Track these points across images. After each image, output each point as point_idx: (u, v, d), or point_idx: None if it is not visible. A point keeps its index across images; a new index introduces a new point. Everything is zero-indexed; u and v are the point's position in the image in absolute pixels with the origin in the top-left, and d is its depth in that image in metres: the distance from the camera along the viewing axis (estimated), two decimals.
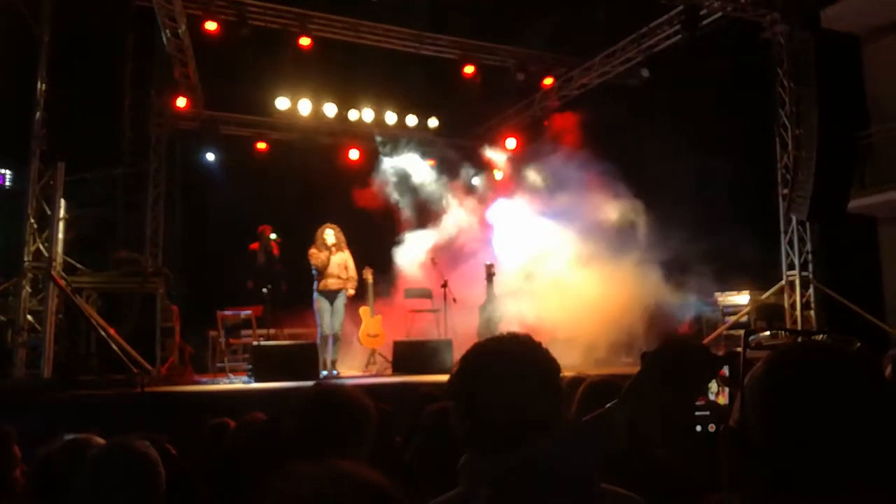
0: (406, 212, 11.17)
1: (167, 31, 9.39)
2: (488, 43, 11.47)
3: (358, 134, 12.50)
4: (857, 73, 10.48)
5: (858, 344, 1.01)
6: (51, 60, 7.77)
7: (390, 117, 12.23)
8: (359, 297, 9.24)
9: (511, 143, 12.93)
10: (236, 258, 9.91)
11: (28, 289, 7.44)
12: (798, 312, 9.60)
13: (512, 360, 1.42)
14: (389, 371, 8.78)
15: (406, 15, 10.60)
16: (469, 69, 11.39)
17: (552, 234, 10.18)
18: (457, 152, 12.36)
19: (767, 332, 1.02)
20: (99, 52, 9.56)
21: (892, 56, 10.48)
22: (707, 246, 8.63)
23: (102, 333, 7.34)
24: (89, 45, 9.21)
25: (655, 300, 9.11)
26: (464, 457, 1.41)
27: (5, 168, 9.22)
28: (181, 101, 10.93)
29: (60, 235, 7.86)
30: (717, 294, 10.03)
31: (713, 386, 1.07)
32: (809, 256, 9.64)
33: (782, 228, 9.80)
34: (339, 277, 8.65)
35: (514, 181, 11.73)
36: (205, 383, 7.91)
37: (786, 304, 9.74)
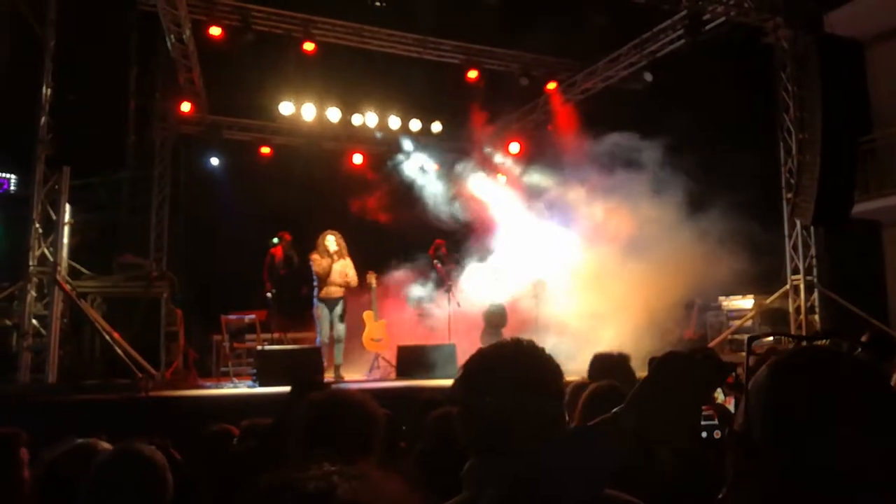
0: (413, 216, 11.17)
1: (171, 36, 9.42)
2: (492, 47, 11.50)
3: (361, 139, 12.52)
4: (861, 77, 10.46)
5: (860, 349, 1.01)
6: (56, 65, 7.80)
7: (394, 122, 12.25)
8: (363, 302, 9.25)
9: (514, 147, 12.94)
10: (244, 263, 9.90)
11: (33, 293, 7.46)
12: (802, 317, 9.58)
13: (515, 365, 1.42)
14: (393, 375, 8.78)
15: (410, 20, 10.62)
16: (472, 74, 11.42)
17: (558, 239, 10.19)
18: (460, 157, 12.37)
19: (771, 338, 1.02)
20: (103, 58, 9.62)
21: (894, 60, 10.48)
22: (712, 250, 8.62)
23: (107, 338, 7.35)
24: (94, 50, 9.26)
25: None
26: (468, 462, 1.42)
27: (10, 173, 9.25)
28: (185, 106, 10.97)
29: (65, 240, 7.88)
30: (722, 298, 10.02)
31: (719, 394, 1.08)
32: (814, 261, 9.62)
33: (786, 233, 9.78)
34: (340, 285, 8.67)
35: (518, 185, 11.74)
36: (209, 388, 7.92)
37: (790, 309, 9.71)
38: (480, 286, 9.97)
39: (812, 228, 9.48)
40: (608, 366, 3.17)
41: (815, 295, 9.62)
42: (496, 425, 1.37)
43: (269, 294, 8.97)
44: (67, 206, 7.92)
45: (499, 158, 12.46)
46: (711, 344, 9.09)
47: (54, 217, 7.68)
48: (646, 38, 10.63)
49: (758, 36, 9.66)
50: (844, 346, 1.03)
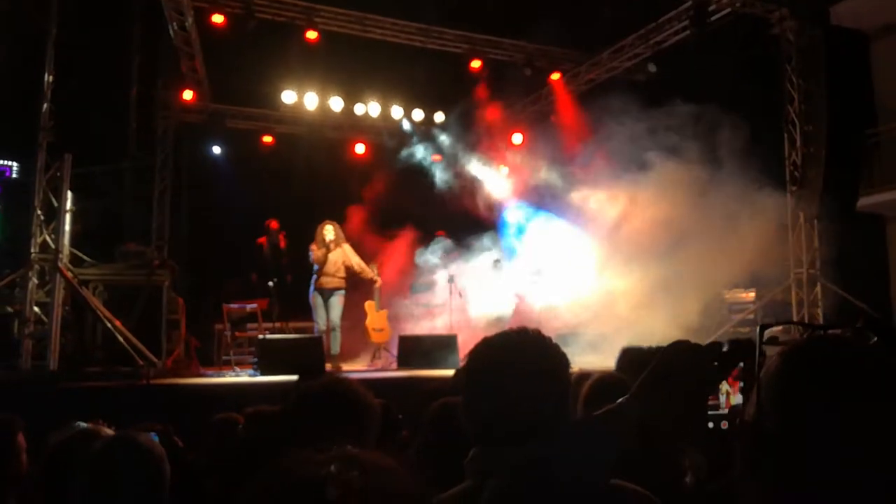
0: (415, 205, 11.16)
1: (174, 23, 9.38)
2: (495, 37, 11.44)
3: (364, 128, 12.48)
4: (866, 70, 10.41)
5: (875, 338, 1.01)
6: (58, 53, 7.77)
7: (396, 111, 12.22)
8: (365, 292, 9.26)
9: (518, 138, 12.90)
10: (242, 251, 9.92)
11: (35, 280, 7.46)
12: (805, 310, 9.57)
13: (520, 354, 1.41)
14: (395, 366, 8.78)
15: (413, 9, 10.57)
16: (476, 64, 11.37)
17: (562, 231, 10.19)
18: (463, 147, 12.33)
19: (781, 327, 1.00)
20: (106, 45, 9.57)
21: None
22: (714, 243, 8.60)
23: (108, 325, 7.36)
24: (96, 37, 9.21)
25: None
26: (472, 451, 1.41)
27: (12, 160, 9.22)
28: (188, 94, 10.94)
29: (67, 227, 7.88)
30: (724, 291, 10.00)
31: (724, 386, 1.06)
32: (817, 254, 9.59)
33: (790, 225, 9.75)
34: (335, 276, 8.68)
35: (521, 176, 11.72)
36: (210, 376, 7.93)
37: (793, 302, 9.70)
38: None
39: (816, 221, 9.45)
40: (637, 360, 3.15)
41: (818, 288, 9.60)
42: (500, 415, 1.36)
43: (270, 283, 8.97)
44: (69, 194, 7.92)
45: (502, 149, 12.42)
46: (712, 338, 9.07)
47: (56, 204, 7.68)
48: (651, 29, 10.57)
49: (763, 27, 9.60)
50: (856, 336, 1.02)
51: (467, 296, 9.68)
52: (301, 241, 9.37)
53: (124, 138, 10.83)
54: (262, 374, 7.54)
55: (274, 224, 9.60)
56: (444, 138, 12.32)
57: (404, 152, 11.90)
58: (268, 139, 12.28)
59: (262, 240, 9.53)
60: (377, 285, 9.28)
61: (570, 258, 10.11)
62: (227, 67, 10.79)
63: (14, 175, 9.31)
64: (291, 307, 9.63)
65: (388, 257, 10.27)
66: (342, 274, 8.74)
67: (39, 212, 7.54)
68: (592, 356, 7.12)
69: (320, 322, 8.70)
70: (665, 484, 1.43)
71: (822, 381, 0.94)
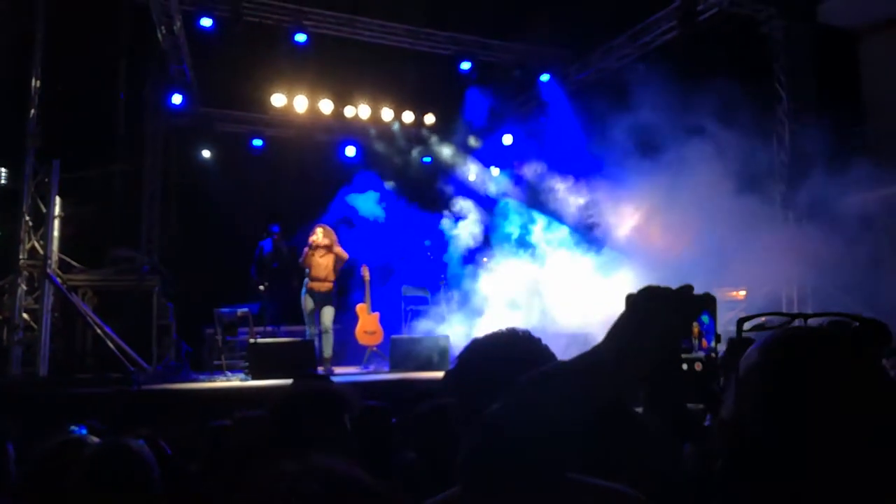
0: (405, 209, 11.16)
1: (162, 27, 9.34)
2: (484, 38, 11.45)
3: (354, 130, 12.47)
4: (855, 68, 10.46)
5: (857, 324, 1.00)
6: (45, 57, 7.73)
7: (387, 114, 12.20)
8: (356, 295, 9.24)
9: (508, 139, 12.91)
10: (237, 255, 9.87)
11: (24, 287, 7.42)
12: (795, 308, 9.60)
13: (510, 355, 1.41)
14: (387, 368, 8.77)
15: (402, 10, 10.56)
16: (465, 65, 11.37)
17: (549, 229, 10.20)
18: (453, 149, 12.34)
19: (763, 318, 1.01)
20: (93, 49, 9.54)
21: (889, 52, 10.48)
22: (705, 242, 8.63)
23: (98, 331, 7.32)
24: (84, 41, 9.17)
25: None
26: (462, 453, 1.40)
27: (0, 166, 9.17)
28: (176, 98, 10.88)
29: (56, 233, 7.84)
30: (715, 290, 10.01)
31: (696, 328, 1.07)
32: (805, 252, 9.62)
33: (778, 224, 9.78)
34: (325, 280, 8.67)
35: (511, 177, 11.74)
36: (201, 381, 7.89)
37: (783, 300, 9.73)
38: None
39: (804, 220, 9.49)
40: None
41: (807, 286, 9.63)
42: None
43: (261, 287, 8.95)
44: (58, 199, 7.87)
45: (491, 150, 12.43)
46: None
47: (44, 210, 7.63)
48: (639, 30, 10.60)
49: (752, 26, 9.64)
50: (837, 326, 1.03)
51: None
52: (290, 245, 9.35)
53: (113, 143, 10.79)
54: (254, 378, 7.52)
55: (275, 227, 9.53)
56: (434, 139, 12.32)
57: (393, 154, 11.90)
58: (258, 142, 12.24)
59: (265, 243, 9.43)
60: (367, 280, 9.26)
61: (563, 260, 10.12)
62: (215, 71, 10.74)
63: (2, 181, 9.25)
64: (283, 311, 9.60)
65: (379, 259, 10.26)
66: (333, 277, 8.73)
67: (28, 217, 7.50)
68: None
69: (311, 325, 8.68)
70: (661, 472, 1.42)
71: (801, 374, 0.93)
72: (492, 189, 11.84)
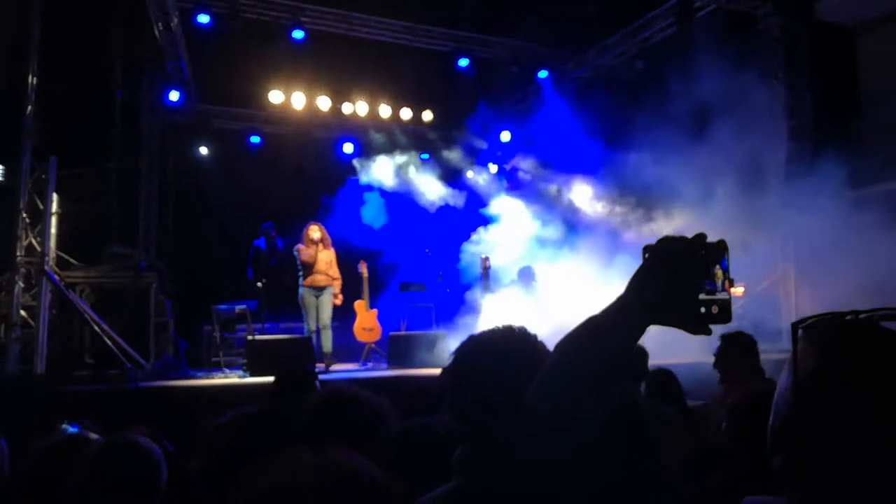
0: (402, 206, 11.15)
1: (159, 24, 9.33)
2: (482, 35, 11.44)
3: (352, 127, 12.45)
4: (852, 64, 10.47)
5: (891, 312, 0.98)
6: (42, 54, 7.70)
7: (384, 111, 12.19)
8: (354, 291, 9.24)
9: (506, 135, 12.91)
10: (234, 252, 9.86)
11: (21, 284, 7.40)
12: (793, 304, 9.62)
13: (506, 352, 1.41)
14: (384, 365, 8.78)
15: (400, 7, 10.55)
16: (463, 62, 11.36)
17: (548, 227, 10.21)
18: (451, 145, 12.33)
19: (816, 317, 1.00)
20: (90, 46, 9.52)
21: (886, 48, 10.48)
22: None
23: (96, 328, 7.32)
24: (80, 38, 9.15)
25: None
26: (459, 449, 1.41)
27: None
28: (173, 95, 10.86)
29: (53, 230, 7.82)
30: None
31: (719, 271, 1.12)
32: (802, 247, 9.63)
33: (776, 219, 9.78)
34: (326, 274, 8.68)
35: (509, 173, 11.74)
36: (199, 378, 7.90)
37: (780, 296, 9.75)
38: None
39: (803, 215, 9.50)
40: None
41: (806, 281, 9.64)
42: (486, 413, 1.36)
43: (259, 284, 8.94)
44: (55, 196, 7.86)
45: (490, 147, 12.43)
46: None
47: (41, 207, 7.62)
48: (637, 27, 10.60)
49: (749, 23, 9.65)
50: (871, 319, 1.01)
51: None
52: (287, 242, 9.34)
53: (110, 140, 10.77)
54: (252, 375, 7.52)
55: (270, 224, 9.51)
56: (432, 136, 12.31)
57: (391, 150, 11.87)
58: (255, 139, 12.23)
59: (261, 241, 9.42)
60: (364, 277, 9.24)
61: (562, 255, 10.13)
62: (213, 67, 10.72)
63: None
64: (281, 308, 9.60)
65: (376, 256, 10.26)
66: (332, 272, 8.73)
67: (25, 215, 7.49)
68: None
69: (311, 322, 8.68)
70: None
71: (866, 372, 0.91)
72: (489, 185, 11.83)
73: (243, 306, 9.23)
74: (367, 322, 9.25)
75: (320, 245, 8.68)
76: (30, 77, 7.57)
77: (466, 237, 10.87)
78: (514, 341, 1.43)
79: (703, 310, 1.08)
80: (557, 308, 9.24)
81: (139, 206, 11.12)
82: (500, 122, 13.00)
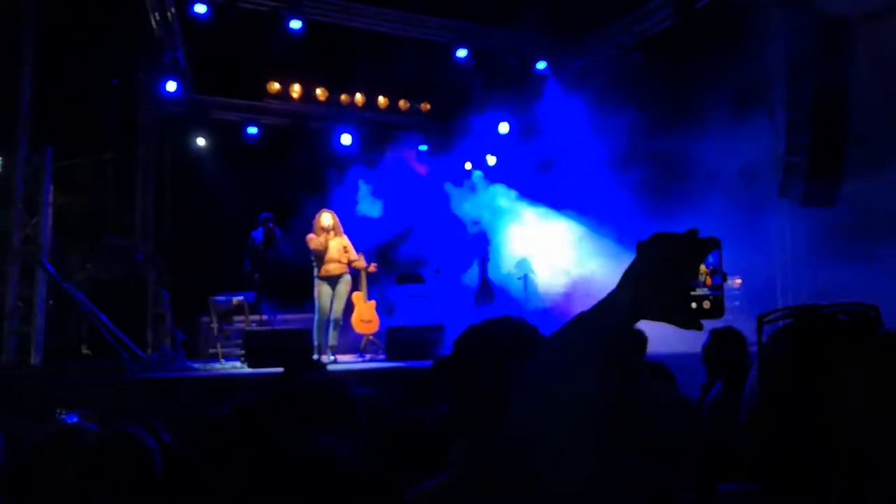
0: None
1: (155, 13, 9.27)
2: (480, 26, 11.39)
3: (350, 118, 12.42)
4: (851, 57, 10.46)
5: (853, 307, 1.03)
6: (37, 44, 7.66)
7: (382, 101, 12.15)
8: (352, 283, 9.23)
9: (504, 126, 12.88)
10: (227, 243, 9.86)
11: (17, 275, 7.38)
12: (790, 296, 9.63)
13: (506, 343, 1.41)
14: (383, 357, 8.78)
15: None
16: (461, 52, 11.32)
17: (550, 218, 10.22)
18: (449, 136, 12.31)
19: (779, 314, 1.05)
20: (86, 36, 9.46)
21: (886, 41, 10.46)
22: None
23: (93, 320, 7.31)
24: (76, 28, 9.10)
25: None
26: (457, 441, 1.40)
27: None
28: (170, 86, 10.81)
29: (49, 221, 7.80)
30: None
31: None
32: (799, 240, 9.65)
33: (774, 212, 9.79)
34: (339, 262, 8.55)
35: (507, 165, 11.73)
36: (197, 369, 7.90)
37: (777, 288, 9.77)
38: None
39: (800, 208, 9.50)
40: None
41: (803, 274, 9.66)
42: (486, 404, 1.35)
43: (256, 275, 8.93)
44: (51, 187, 7.83)
45: (488, 138, 12.41)
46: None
47: (38, 198, 7.59)
48: (636, 18, 10.56)
49: (748, 14, 9.61)
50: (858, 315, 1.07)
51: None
52: (286, 233, 9.33)
53: (106, 131, 10.73)
54: (250, 366, 7.52)
55: (269, 217, 9.47)
56: (429, 127, 12.29)
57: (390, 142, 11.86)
58: (252, 130, 12.19)
59: (258, 232, 9.39)
60: (371, 270, 9.17)
61: (558, 246, 10.14)
62: (209, 58, 10.68)
63: None
64: (279, 300, 9.59)
65: (375, 248, 10.25)
66: (345, 260, 8.63)
67: (21, 205, 7.46)
68: None
69: (324, 311, 8.44)
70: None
71: (823, 363, 0.95)
72: (487, 177, 11.82)
73: (241, 298, 9.21)
74: (365, 314, 9.23)
75: (332, 233, 8.55)
76: (25, 67, 7.52)
77: (464, 228, 10.87)
78: (513, 331, 1.43)
79: (694, 304, 1.09)
80: (555, 295, 9.28)
81: (136, 197, 11.08)
82: (499, 113, 12.97)
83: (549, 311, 9.31)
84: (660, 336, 4.25)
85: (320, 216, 8.57)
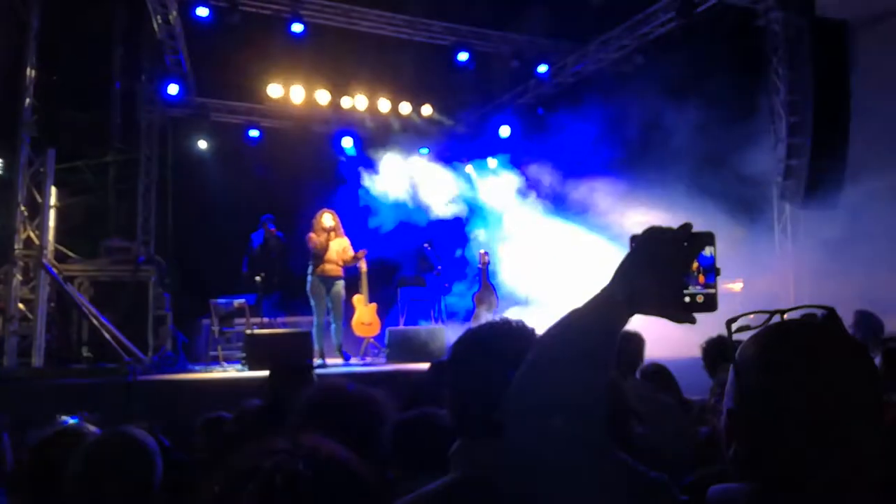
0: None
1: (158, 16, 9.29)
2: (482, 29, 11.40)
3: (351, 121, 12.43)
4: (852, 60, 10.46)
5: (827, 311, 1.07)
6: (40, 47, 7.68)
7: (384, 105, 12.16)
8: (353, 286, 9.23)
9: (505, 130, 12.89)
10: (229, 246, 9.86)
11: (19, 277, 7.40)
12: (792, 299, 9.63)
13: (504, 346, 1.41)
14: (383, 359, 8.77)
15: (399, 0, 10.51)
16: (463, 56, 11.33)
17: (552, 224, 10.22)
18: (450, 140, 12.32)
19: (752, 316, 1.07)
20: (89, 39, 9.49)
21: (886, 44, 10.46)
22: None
23: (94, 322, 7.32)
24: (79, 31, 9.13)
25: None
26: (456, 443, 1.40)
27: None
28: (172, 88, 10.83)
29: (51, 223, 7.82)
30: None
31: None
32: (801, 244, 9.64)
33: (776, 216, 9.80)
34: (336, 264, 8.51)
35: (508, 169, 11.73)
36: (198, 371, 7.90)
37: (779, 291, 9.76)
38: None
39: (801, 212, 9.50)
40: None
41: (805, 277, 9.65)
42: (486, 405, 1.35)
43: (257, 278, 8.92)
44: (53, 189, 7.85)
45: (489, 141, 12.42)
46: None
47: (40, 200, 7.61)
48: (638, 21, 10.57)
49: (750, 18, 9.62)
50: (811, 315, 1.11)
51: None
52: (286, 235, 9.33)
53: (108, 133, 10.75)
54: (250, 368, 7.51)
55: (270, 219, 9.46)
56: (431, 131, 12.29)
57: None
58: (254, 133, 12.21)
59: (257, 235, 9.38)
60: (363, 271, 9.15)
61: (561, 249, 10.14)
62: (211, 61, 10.69)
63: None
64: (280, 302, 9.59)
65: (375, 251, 10.25)
66: (342, 262, 8.61)
67: (23, 207, 7.48)
68: None
69: (320, 312, 8.44)
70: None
71: (799, 365, 0.97)
72: (487, 180, 11.82)
73: (242, 300, 9.21)
74: (365, 316, 9.23)
75: (332, 234, 8.49)
76: (28, 69, 7.54)
77: (466, 232, 10.87)
78: (511, 335, 1.43)
79: (687, 298, 1.09)
80: (556, 296, 9.28)
81: (137, 200, 11.10)
82: (500, 116, 12.99)
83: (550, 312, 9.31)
84: (662, 339, 4.27)
85: (321, 216, 8.54)
